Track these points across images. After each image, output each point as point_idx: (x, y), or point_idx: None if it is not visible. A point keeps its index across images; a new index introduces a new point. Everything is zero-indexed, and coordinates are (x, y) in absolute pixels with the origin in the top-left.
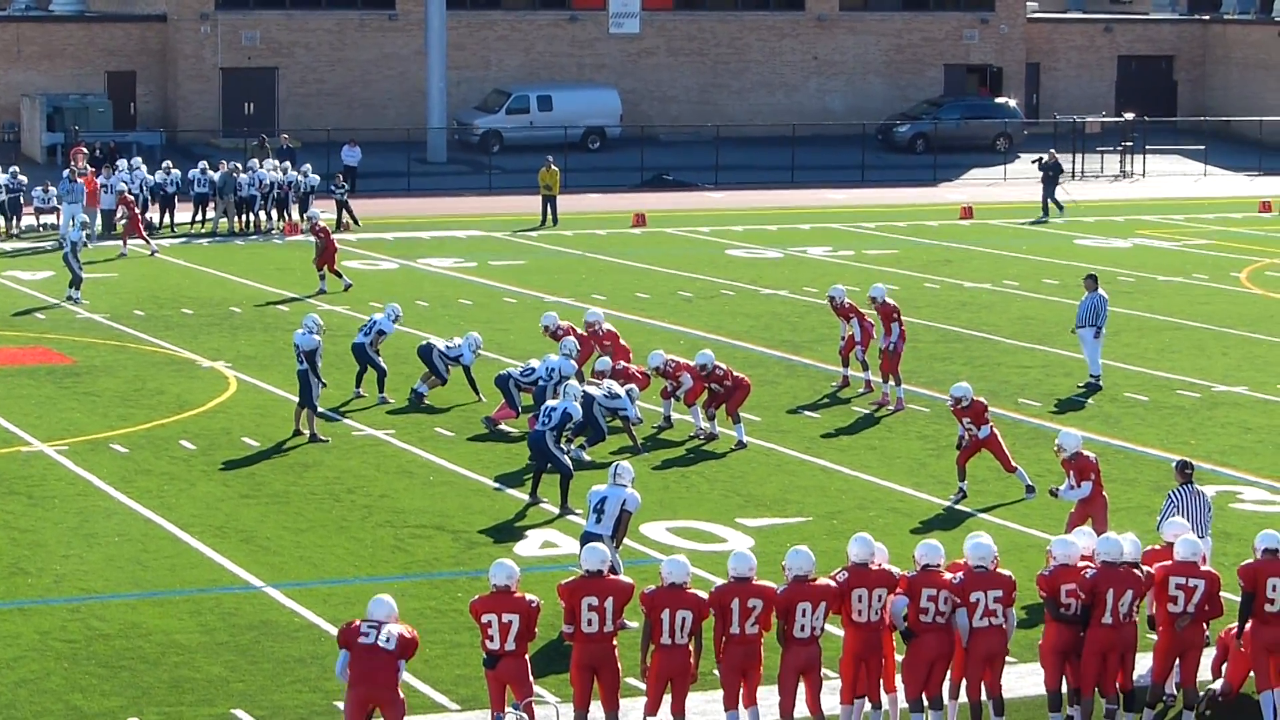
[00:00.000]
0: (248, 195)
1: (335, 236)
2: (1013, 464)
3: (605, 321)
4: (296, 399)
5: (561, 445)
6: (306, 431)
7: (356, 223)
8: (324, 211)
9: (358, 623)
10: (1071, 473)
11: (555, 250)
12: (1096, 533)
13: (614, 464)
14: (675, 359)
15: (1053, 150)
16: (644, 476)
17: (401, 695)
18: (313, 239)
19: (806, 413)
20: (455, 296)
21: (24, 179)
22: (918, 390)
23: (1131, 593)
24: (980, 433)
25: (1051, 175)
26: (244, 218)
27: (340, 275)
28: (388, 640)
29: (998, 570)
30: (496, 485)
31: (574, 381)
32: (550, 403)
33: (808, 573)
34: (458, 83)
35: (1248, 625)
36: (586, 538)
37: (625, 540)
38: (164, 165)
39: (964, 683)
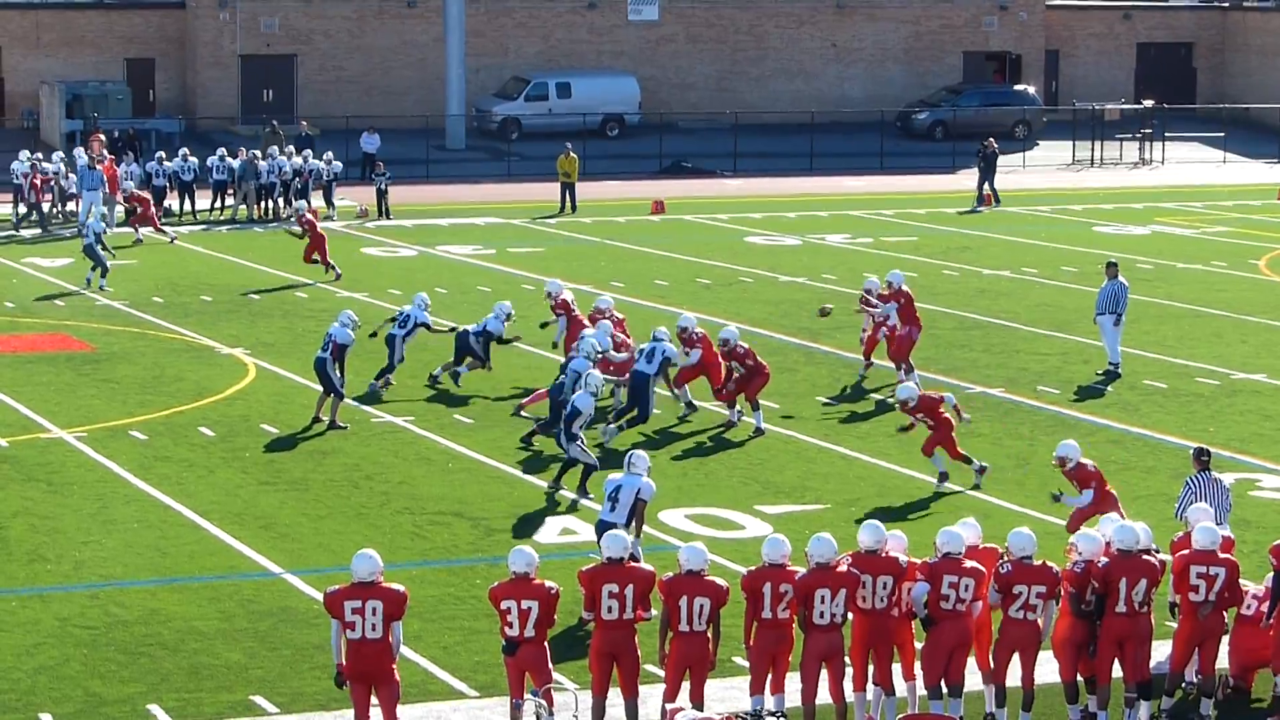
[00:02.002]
0: (267, 182)
1: (372, 224)
2: (960, 451)
3: (614, 309)
4: (320, 388)
5: (582, 437)
6: (326, 419)
7: (385, 215)
8: (343, 198)
9: (342, 592)
10: (1075, 483)
11: (574, 237)
12: None
13: (629, 453)
14: (700, 331)
15: (991, 139)
16: (662, 464)
17: (397, 677)
18: (298, 229)
19: (825, 400)
20: (474, 284)
21: (63, 166)
22: (936, 377)
23: (1146, 581)
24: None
25: (989, 164)
26: (263, 205)
27: (331, 266)
28: (374, 629)
29: (1045, 564)
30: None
31: (595, 371)
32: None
33: (829, 560)
34: (476, 70)
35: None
36: (602, 526)
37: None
38: (181, 153)
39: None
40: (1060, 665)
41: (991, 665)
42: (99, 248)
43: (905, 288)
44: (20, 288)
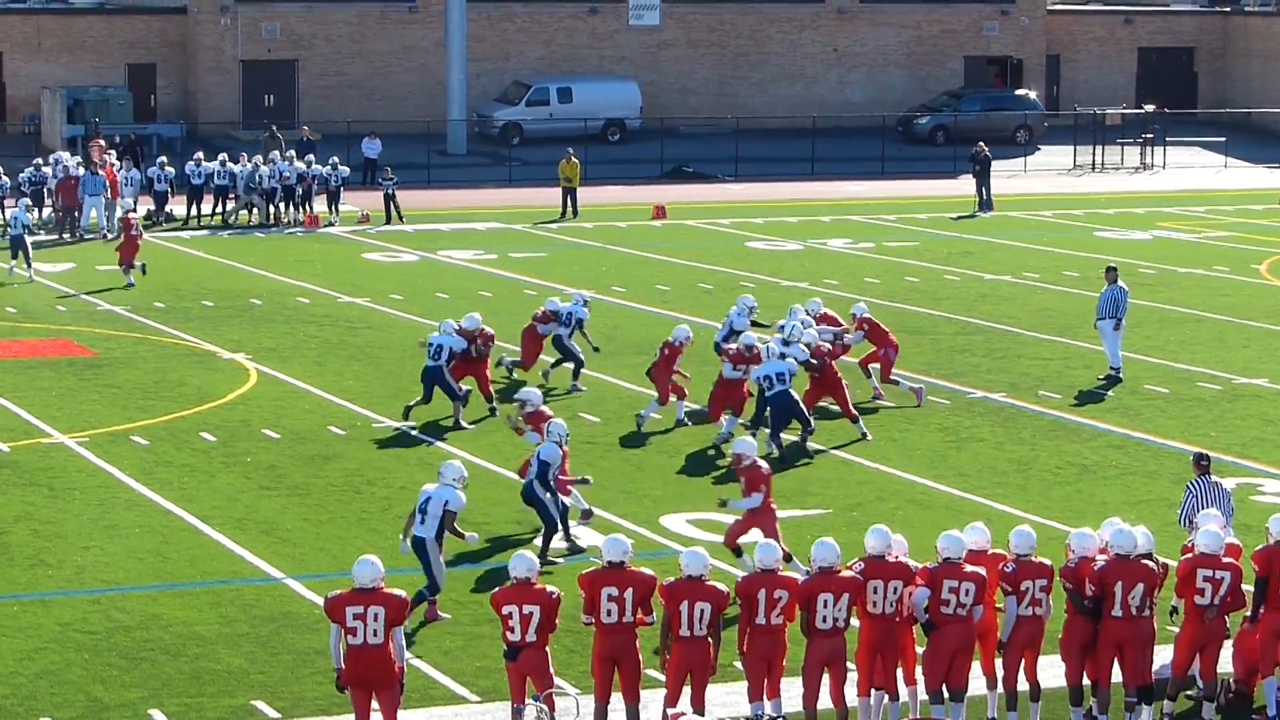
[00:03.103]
0: (268, 187)
1: (376, 229)
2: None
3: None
4: (420, 398)
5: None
6: (466, 424)
7: (401, 218)
8: (345, 204)
9: (343, 597)
10: (742, 479)
11: (575, 242)
12: None
13: (443, 462)
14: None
15: (982, 144)
16: (664, 468)
17: (399, 680)
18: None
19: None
20: (475, 288)
21: (90, 171)
22: (938, 383)
23: (1143, 585)
24: None
25: (983, 169)
26: (265, 210)
27: (131, 268)
28: (375, 635)
29: (1039, 559)
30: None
31: (558, 420)
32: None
33: (832, 564)
34: (478, 75)
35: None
36: (415, 541)
37: (644, 531)
38: (196, 157)
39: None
40: (1067, 667)
41: (998, 670)
42: (26, 237)
43: (868, 315)
44: (22, 293)
